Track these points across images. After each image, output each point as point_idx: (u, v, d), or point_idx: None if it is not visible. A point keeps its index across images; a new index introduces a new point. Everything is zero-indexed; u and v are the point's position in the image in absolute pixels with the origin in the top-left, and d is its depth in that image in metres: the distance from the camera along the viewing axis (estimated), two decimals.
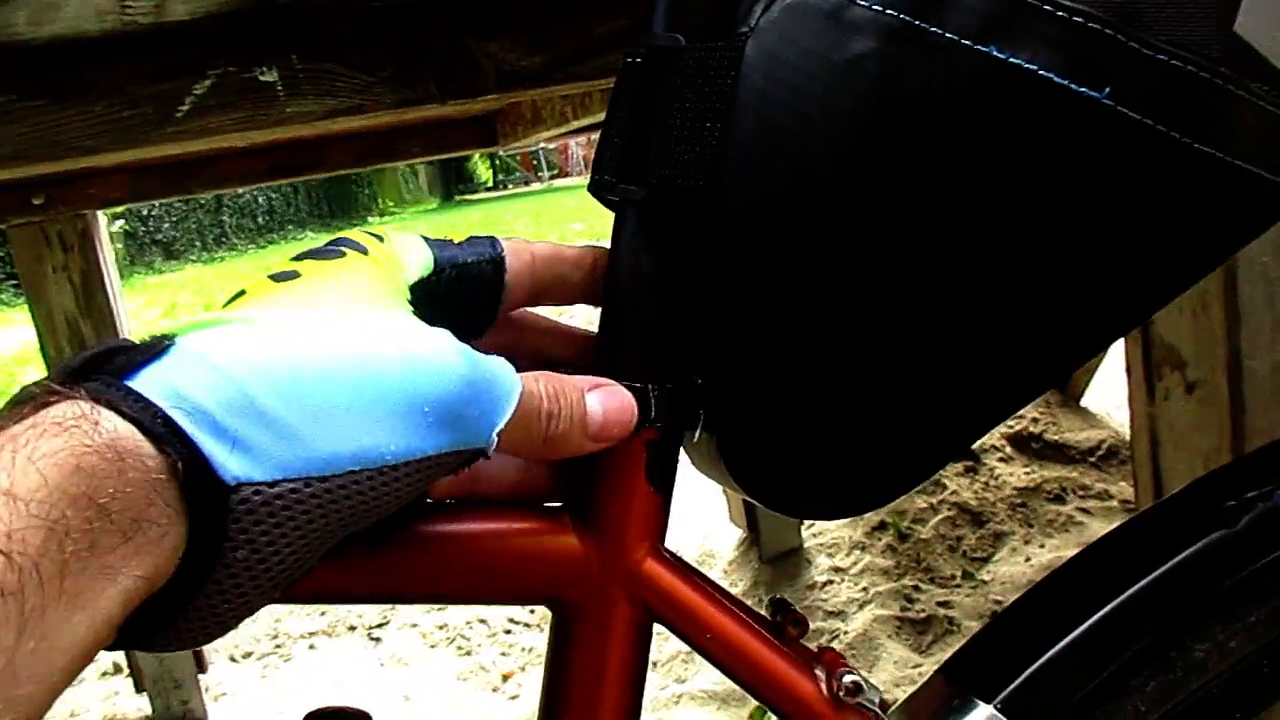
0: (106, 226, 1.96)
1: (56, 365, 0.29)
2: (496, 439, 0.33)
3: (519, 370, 0.35)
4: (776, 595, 0.43)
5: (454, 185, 22.47)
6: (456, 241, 0.40)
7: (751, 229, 0.37)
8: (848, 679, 0.38)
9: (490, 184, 23.12)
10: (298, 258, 0.35)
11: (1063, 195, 0.34)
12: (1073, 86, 0.32)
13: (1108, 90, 0.33)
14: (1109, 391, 2.64)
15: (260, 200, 15.80)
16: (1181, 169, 0.34)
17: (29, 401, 0.26)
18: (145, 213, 13.15)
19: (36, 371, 5.13)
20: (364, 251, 0.35)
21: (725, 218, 0.37)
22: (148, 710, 1.96)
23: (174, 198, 1.95)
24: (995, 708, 0.40)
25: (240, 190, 14.76)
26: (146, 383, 0.27)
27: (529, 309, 0.44)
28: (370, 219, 17.68)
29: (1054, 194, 0.34)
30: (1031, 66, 0.33)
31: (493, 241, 0.41)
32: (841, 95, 0.35)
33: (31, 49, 0.69)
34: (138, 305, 8.18)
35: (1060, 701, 0.41)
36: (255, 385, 0.28)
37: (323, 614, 2.34)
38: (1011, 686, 0.41)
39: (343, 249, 0.35)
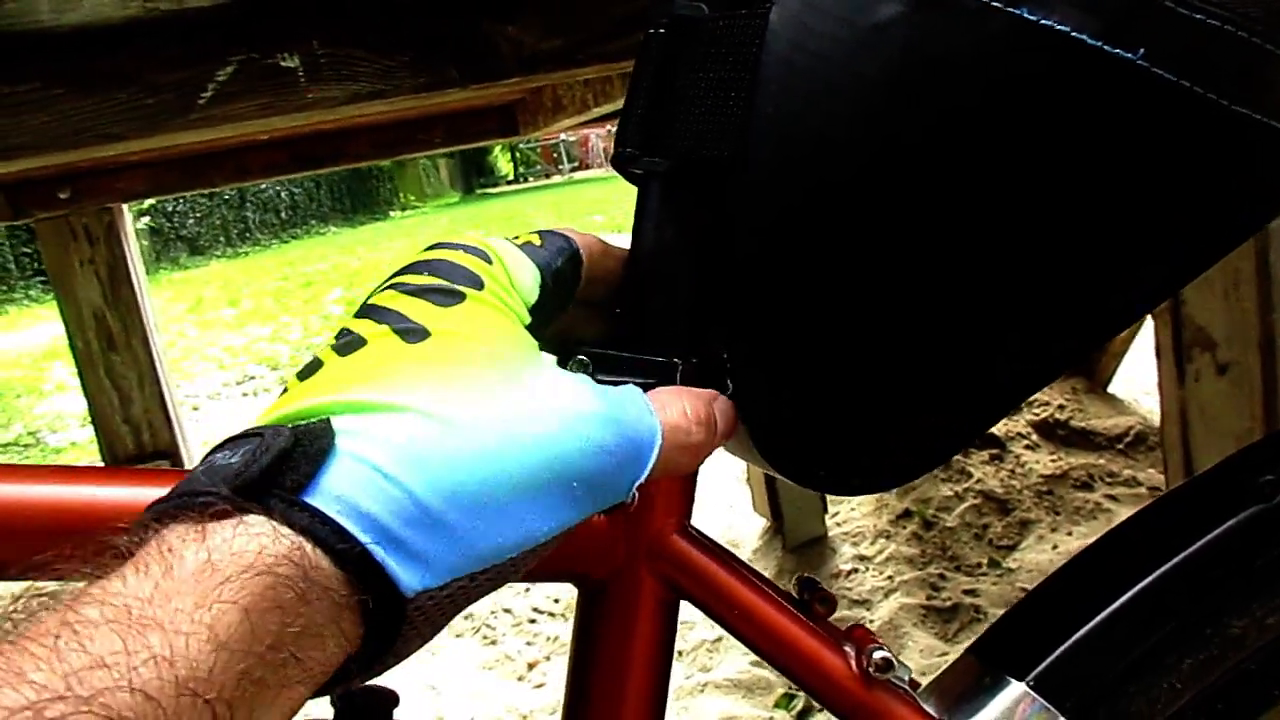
0: (132, 221, 1.98)
1: (219, 467, 0.28)
2: (637, 492, 0.33)
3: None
4: (804, 575, 0.43)
5: (475, 179, 22.52)
6: (538, 245, 0.39)
7: (775, 198, 0.36)
8: (878, 655, 0.38)
9: (511, 177, 23.15)
10: (411, 290, 0.33)
11: (1094, 159, 0.34)
12: (1106, 48, 0.32)
13: (1142, 51, 0.32)
14: (1137, 377, 2.61)
15: (283, 195, 15.90)
16: (1217, 131, 0.33)
17: (215, 513, 0.26)
18: (170, 209, 13.26)
19: (65, 366, 5.19)
20: (480, 285, 0.34)
21: (749, 187, 0.36)
22: None
23: (197, 190, 1.97)
24: (1028, 684, 0.40)
25: (263, 184, 14.85)
26: (325, 499, 0.27)
27: None
28: (392, 213, 17.75)
29: (1085, 158, 0.34)
30: (1064, 28, 0.32)
31: (566, 238, 0.40)
32: (868, 62, 0.34)
33: (55, 37, 0.69)
34: (164, 300, 8.26)
35: (1093, 679, 0.40)
36: (425, 491, 0.28)
37: None
38: (1044, 664, 0.40)
39: (458, 288, 0.34)
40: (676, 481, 0.40)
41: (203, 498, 0.26)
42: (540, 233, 0.40)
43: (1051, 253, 0.35)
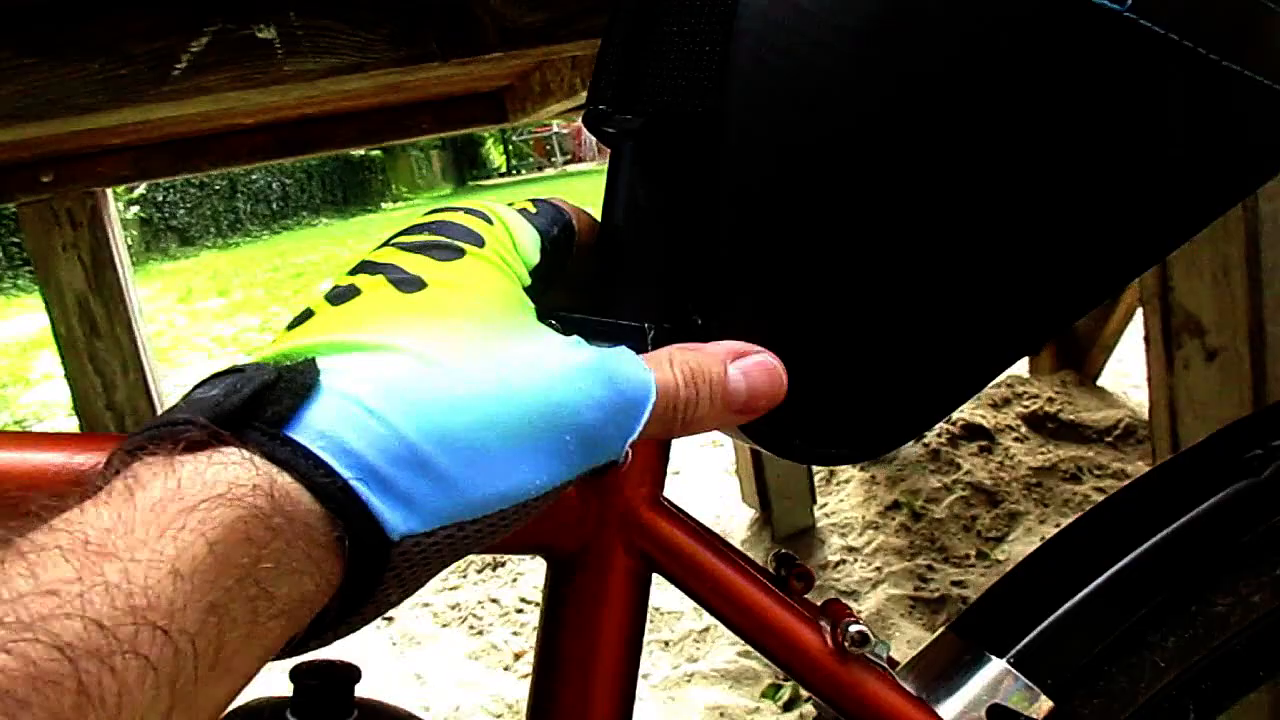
0: (117, 209, 1.96)
1: (197, 400, 0.27)
2: (630, 450, 0.32)
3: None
4: (781, 550, 0.42)
5: (467, 171, 22.46)
6: (534, 212, 0.38)
7: (753, 156, 0.35)
8: (853, 629, 0.37)
9: (504, 170, 23.10)
10: (410, 248, 0.33)
11: (1080, 113, 0.32)
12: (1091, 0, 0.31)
13: (1130, 3, 0.31)
14: (1126, 371, 2.61)
15: (274, 186, 15.82)
16: (1207, 87, 0.32)
17: (184, 439, 0.25)
18: (160, 199, 13.20)
19: (51, 355, 5.16)
20: (480, 243, 0.34)
21: (725, 145, 0.35)
22: None
23: (182, 175, 1.95)
24: (1008, 662, 0.39)
25: (251, 170, 14.76)
26: (308, 433, 0.26)
27: None
28: (384, 205, 17.70)
29: (1071, 112, 0.32)
30: None
31: (559, 208, 0.39)
32: (846, 14, 0.33)
33: (27, 5, 0.68)
34: (153, 291, 8.22)
35: (1075, 657, 0.39)
36: (413, 432, 0.27)
37: None
38: (1025, 641, 0.39)
39: (459, 244, 0.33)
40: (650, 453, 0.39)
41: (177, 427, 0.25)
42: (534, 200, 0.39)
43: (1035, 210, 0.34)
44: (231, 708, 0.38)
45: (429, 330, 0.30)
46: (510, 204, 0.38)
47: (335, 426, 0.26)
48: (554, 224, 0.38)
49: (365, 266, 0.32)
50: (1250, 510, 0.40)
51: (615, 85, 0.38)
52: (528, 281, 0.35)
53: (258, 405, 0.26)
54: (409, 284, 0.31)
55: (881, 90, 0.33)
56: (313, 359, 0.28)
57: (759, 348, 0.35)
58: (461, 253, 0.33)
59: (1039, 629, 0.39)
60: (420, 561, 0.27)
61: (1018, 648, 0.39)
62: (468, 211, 0.35)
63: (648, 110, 0.37)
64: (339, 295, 0.31)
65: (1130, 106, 0.32)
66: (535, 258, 0.36)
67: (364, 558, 0.26)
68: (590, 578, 0.38)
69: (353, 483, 0.26)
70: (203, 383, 0.28)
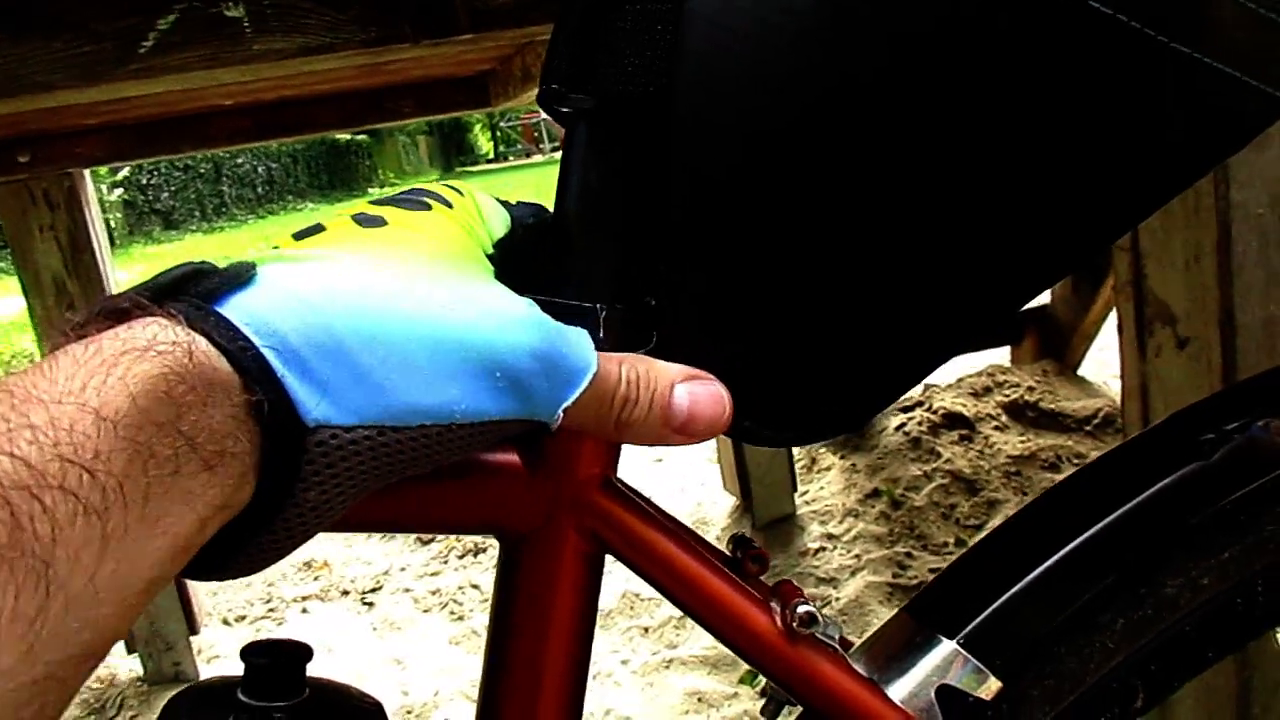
0: (99, 190, 1.94)
1: (144, 284, 0.28)
2: (562, 415, 0.33)
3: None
4: (738, 533, 0.42)
5: (454, 157, 22.35)
6: (514, 204, 0.40)
7: (703, 135, 0.35)
8: (801, 610, 0.37)
9: (491, 155, 23.00)
10: (380, 203, 0.34)
11: (1027, 92, 0.32)
12: None
13: None
14: (1106, 360, 2.62)
15: (260, 170, 15.72)
16: (1155, 68, 0.32)
17: (116, 313, 0.26)
18: (144, 181, 13.09)
19: (30, 338, 5.12)
20: (448, 206, 0.35)
21: (676, 124, 0.35)
22: (139, 671, 1.97)
23: (161, 157, 1.93)
24: (958, 643, 0.39)
25: (237, 154, 14.62)
26: (236, 311, 0.27)
27: None
28: (370, 190, 17.60)
29: (1017, 91, 0.32)
30: None
31: (540, 205, 0.41)
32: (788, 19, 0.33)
33: None
34: (137, 274, 8.16)
35: (1024, 637, 0.39)
36: (343, 327, 0.28)
37: (316, 579, 2.34)
38: (975, 623, 0.39)
39: (427, 200, 0.35)
40: None
41: (106, 303, 0.26)
42: (517, 200, 0.41)
43: (989, 188, 0.34)
44: (183, 688, 0.38)
45: (380, 251, 0.31)
46: (505, 200, 0.40)
47: (262, 308, 0.27)
48: (529, 216, 0.39)
49: (334, 215, 0.34)
50: (1200, 493, 0.40)
51: (569, 64, 0.38)
52: (489, 249, 0.36)
53: (189, 285, 0.27)
54: (371, 222, 0.32)
55: (833, 70, 0.33)
56: (254, 262, 0.29)
57: (711, 376, 0.35)
58: (428, 207, 0.34)
59: (989, 610, 0.39)
60: (341, 462, 0.27)
61: (968, 629, 0.39)
62: (449, 186, 0.37)
63: (601, 91, 0.37)
64: (304, 232, 0.32)
65: (1082, 84, 0.32)
66: (500, 231, 0.37)
67: (282, 438, 0.26)
68: (541, 558, 0.38)
69: (268, 353, 0.26)
70: None
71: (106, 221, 2.00)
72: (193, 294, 0.27)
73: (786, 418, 0.38)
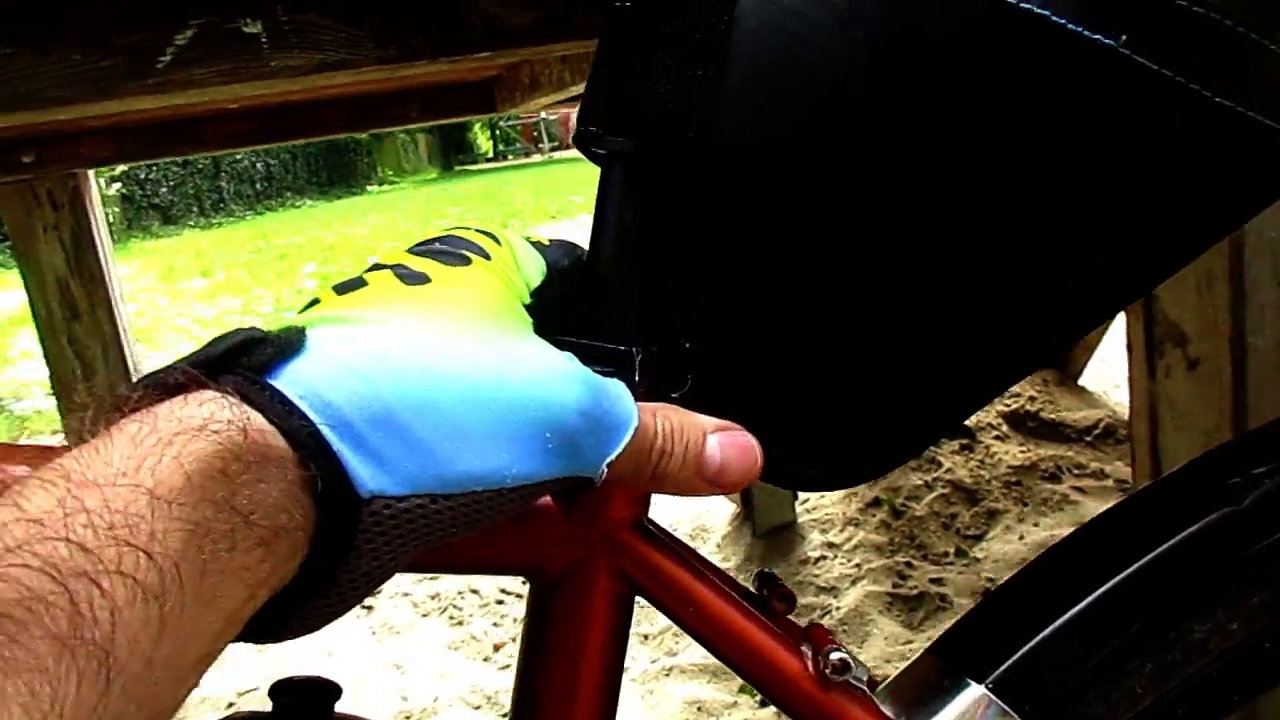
0: (99, 188, 1.93)
1: (183, 357, 0.28)
2: (605, 469, 0.33)
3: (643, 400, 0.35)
4: (764, 570, 0.42)
5: (454, 156, 22.34)
6: (546, 245, 0.40)
7: (738, 163, 0.35)
8: (835, 656, 0.37)
9: (490, 155, 22.99)
10: (420, 253, 0.34)
11: (1071, 144, 0.32)
12: (1085, 33, 0.31)
13: (1124, 38, 0.31)
14: (1107, 370, 2.62)
15: (259, 166, 15.69)
16: (1201, 123, 0.32)
17: (168, 387, 0.26)
18: (143, 176, 13.06)
19: (29, 333, 5.12)
20: (487, 258, 0.35)
21: (715, 161, 0.35)
22: None
23: (167, 158, 1.93)
24: (987, 687, 0.39)
25: (238, 154, 14.62)
26: (289, 383, 0.27)
27: None
28: (369, 188, 17.59)
29: (1061, 142, 0.32)
30: (1043, 12, 0.31)
31: (574, 245, 0.41)
32: (841, 40, 0.33)
33: None
34: (134, 269, 8.15)
35: (1054, 682, 0.39)
36: (395, 396, 0.28)
37: None
38: (1004, 667, 0.39)
39: (466, 254, 0.35)
40: None
41: (157, 376, 0.26)
42: (551, 240, 0.40)
43: (1023, 237, 0.34)
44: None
45: (426, 313, 0.31)
46: (526, 238, 0.39)
47: (314, 379, 0.27)
48: (564, 258, 0.39)
49: (374, 267, 0.34)
50: (1230, 539, 0.40)
51: (606, 107, 0.37)
52: (527, 300, 0.36)
53: (240, 356, 0.27)
54: (414, 278, 0.32)
55: (872, 110, 0.33)
56: (303, 327, 0.29)
57: (740, 427, 0.35)
58: (468, 261, 0.34)
59: (1018, 655, 0.39)
60: (393, 530, 0.27)
61: (996, 673, 0.39)
62: (479, 231, 0.37)
63: (638, 133, 0.37)
64: (345, 286, 0.32)
65: (1122, 137, 0.32)
66: (537, 280, 0.37)
67: (336, 510, 0.26)
68: (573, 599, 0.38)
69: (323, 429, 0.26)
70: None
71: (105, 217, 1.99)
72: (245, 366, 0.27)
73: (811, 459, 0.38)
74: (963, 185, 0.33)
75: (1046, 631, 0.39)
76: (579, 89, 1.50)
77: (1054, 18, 0.31)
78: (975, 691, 0.39)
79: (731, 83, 0.35)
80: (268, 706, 0.38)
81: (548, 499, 0.38)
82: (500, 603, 2.12)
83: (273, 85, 0.76)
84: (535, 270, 0.37)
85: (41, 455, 0.35)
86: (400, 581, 2.28)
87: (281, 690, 0.37)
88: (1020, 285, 0.35)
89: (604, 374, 0.35)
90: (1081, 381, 2.60)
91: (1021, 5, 0.31)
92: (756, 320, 0.37)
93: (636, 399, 0.38)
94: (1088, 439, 2.38)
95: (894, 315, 0.36)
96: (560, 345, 0.37)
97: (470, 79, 1.83)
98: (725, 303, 0.37)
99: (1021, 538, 2.03)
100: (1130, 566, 0.40)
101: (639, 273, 0.38)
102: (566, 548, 0.38)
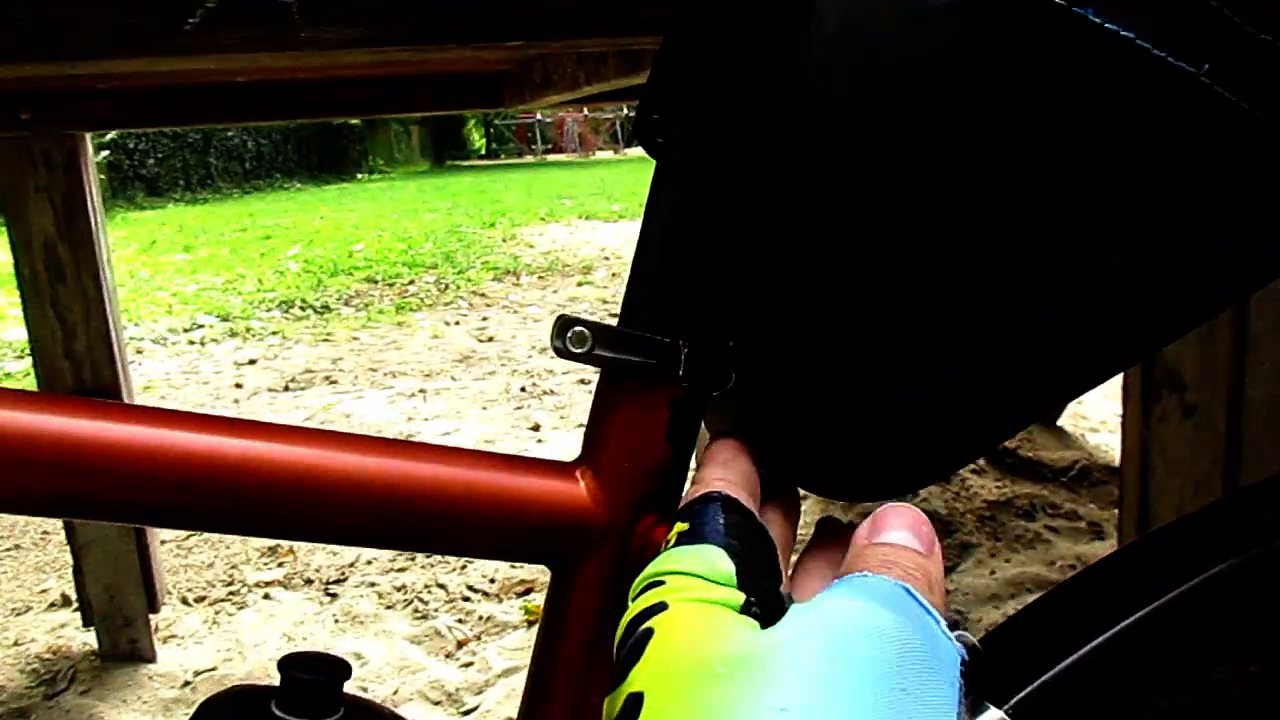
0: (93, 153, 1.91)
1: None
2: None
3: None
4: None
5: (446, 149, 22.28)
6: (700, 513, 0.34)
7: (817, 161, 0.34)
8: None
9: (483, 152, 22.95)
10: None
11: (1150, 171, 0.32)
12: (1170, 59, 0.30)
13: (1206, 68, 0.31)
14: (1086, 413, 2.65)
15: (249, 145, 15.58)
16: (1218, 127, 0.32)
17: None
18: (131, 146, 12.93)
19: (8, 295, 5.04)
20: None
21: (788, 157, 0.35)
22: (94, 645, 1.93)
23: (169, 126, 1.91)
24: (1006, 712, 0.39)
25: (230, 131, 14.47)
26: None
27: None
28: (359, 176, 17.50)
29: (1140, 168, 0.32)
30: (1129, 34, 0.30)
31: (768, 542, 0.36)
32: (921, 49, 0.32)
33: None
34: (116, 239, 8.06)
35: (1072, 711, 0.39)
36: None
37: (280, 565, 2.32)
38: (1024, 693, 0.39)
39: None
40: (667, 467, 0.38)
41: None
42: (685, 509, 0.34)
43: (1039, 225, 0.34)
44: (217, 693, 0.36)
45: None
46: (667, 541, 0.33)
47: None
48: (732, 536, 0.33)
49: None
50: (1256, 579, 0.40)
51: (669, 94, 0.37)
52: (739, 602, 0.31)
53: None
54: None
55: (950, 121, 0.33)
56: None
57: (907, 506, 0.34)
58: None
59: (1038, 682, 0.39)
60: None
61: (1016, 699, 0.39)
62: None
63: (701, 119, 0.36)
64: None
65: (1199, 165, 0.32)
66: (729, 565, 0.32)
67: None
68: (596, 591, 0.37)
69: None
70: None
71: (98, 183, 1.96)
72: None
73: (854, 468, 0.38)
74: (994, 176, 0.33)
75: (1069, 660, 0.39)
76: (590, 90, 1.49)
77: (1140, 41, 0.30)
78: (995, 715, 0.39)
79: (806, 86, 0.34)
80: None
81: (575, 488, 0.37)
82: (466, 600, 2.11)
83: (298, 58, 0.75)
84: (722, 561, 0.32)
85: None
86: (367, 571, 2.26)
87: (292, 664, 0.36)
88: (1036, 276, 0.35)
89: (644, 366, 0.34)
90: (1060, 423, 2.62)
91: (1108, 26, 0.30)
92: (801, 312, 0.36)
93: (677, 394, 0.38)
94: (1063, 479, 2.40)
95: (923, 302, 0.35)
96: (602, 334, 0.36)
97: (481, 71, 1.83)
98: (771, 294, 0.36)
99: (993, 572, 2.04)
100: (1155, 601, 0.40)
101: (688, 265, 0.37)
102: (589, 539, 0.37)
